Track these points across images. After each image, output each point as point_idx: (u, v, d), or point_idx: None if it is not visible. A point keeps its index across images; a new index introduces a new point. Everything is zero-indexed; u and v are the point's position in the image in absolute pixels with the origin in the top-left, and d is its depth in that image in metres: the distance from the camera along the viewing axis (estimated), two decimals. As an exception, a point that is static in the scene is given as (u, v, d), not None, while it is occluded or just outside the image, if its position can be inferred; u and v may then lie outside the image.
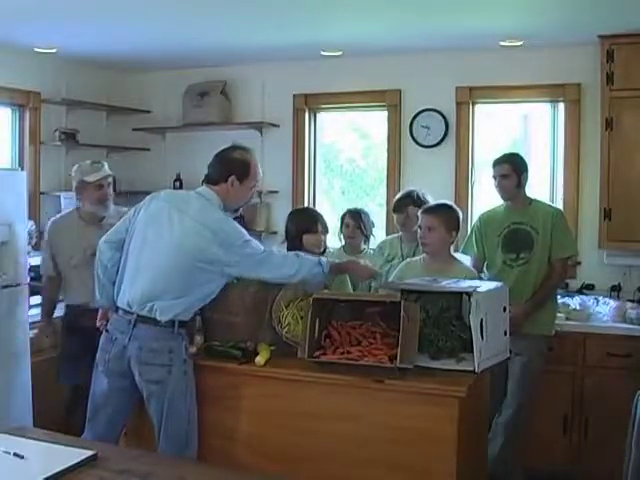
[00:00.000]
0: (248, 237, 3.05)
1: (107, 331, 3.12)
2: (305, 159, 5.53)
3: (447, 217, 3.56)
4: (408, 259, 3.84)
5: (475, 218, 5.06)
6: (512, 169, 3.93)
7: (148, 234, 3.08)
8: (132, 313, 3.01)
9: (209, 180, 3.16)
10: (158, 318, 2.97)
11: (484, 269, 4.05)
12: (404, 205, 4.18)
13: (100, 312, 3.31)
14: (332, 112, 5.62)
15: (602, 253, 4.58)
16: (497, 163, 4.00)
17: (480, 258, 4.07)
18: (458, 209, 3.68)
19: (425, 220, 3.56)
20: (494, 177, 3.99)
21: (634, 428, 3.13)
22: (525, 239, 3.92)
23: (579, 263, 4.68)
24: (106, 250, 3.20)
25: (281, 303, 3.21)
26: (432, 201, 4.02)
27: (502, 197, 4.02)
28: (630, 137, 4.34)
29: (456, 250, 4.39)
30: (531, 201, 4.03)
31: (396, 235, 4.31)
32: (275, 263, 3.04)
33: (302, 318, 3.07)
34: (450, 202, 3.74)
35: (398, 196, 4.31)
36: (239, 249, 2.99)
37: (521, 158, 4.04)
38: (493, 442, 3.83)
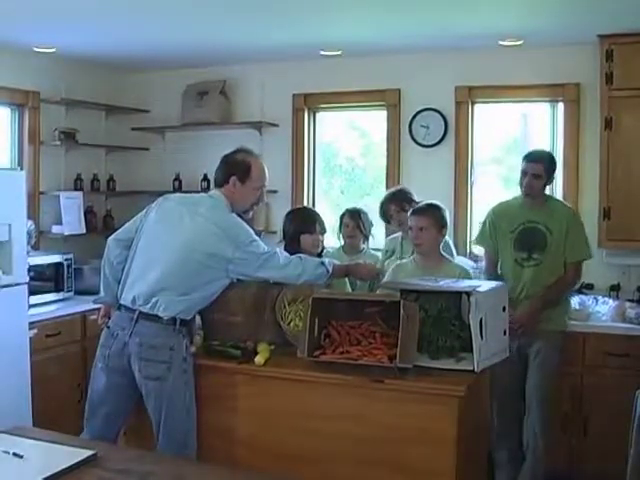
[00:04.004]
0: (255, 237, 3.11)
1: (108, 327, 3.14)
2: (304, 158, 5.53)
3: (437, 217, 3.60)
4: (398, 261, 3.86)
5: (474, 218, 5.10)
6: (544, 170, 3.87)
7: (158, 232, 3.13)
8: (134, 310, 3.04)
9: (215, 183, 3.27)
10: (160, 315, 3.00)
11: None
12: (389, 210, 4.27)
13: (102, 309, 3.34)
14: (331, 112, 5.62)
15: (601, 252, 4.57)
16: (532, 160, 3.89)
17: (494, 251, 4.03)
18: (444, 207, 3.70)
19: (416, 221, 3.59)
20: (524, 172, 3.89)
21: (635, 427, 3.13)
22: (538, 239, 3.88)
23: (578, 262, 4.67)
24: (114, 247, 3.26)
25: (284, 300, 3.23)
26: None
27: (525, 194, 3.92)
28: (629, 137, 4.33)
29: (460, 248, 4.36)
30: (547, 198, 4.00)
31: (398, 234, 4.32)
32: (280, 263, 3.09)
33: (305, 315, 3.08)
34: (436, 201, 3.73)
35: (381, 206, 4.37)
36: (247, 247, 3.04)
37: (554, 160, 4.00)
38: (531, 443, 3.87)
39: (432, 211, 3.61)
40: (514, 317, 3.81)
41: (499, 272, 4.01)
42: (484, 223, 4.11)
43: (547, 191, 4.07)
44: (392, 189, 4.55)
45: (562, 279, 3.92)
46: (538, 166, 3.87)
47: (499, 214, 4.05)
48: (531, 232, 3.91)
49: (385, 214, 4.35)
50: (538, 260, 3.89)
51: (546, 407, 3.89)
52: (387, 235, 4.83)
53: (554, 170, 3.96)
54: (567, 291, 4.04)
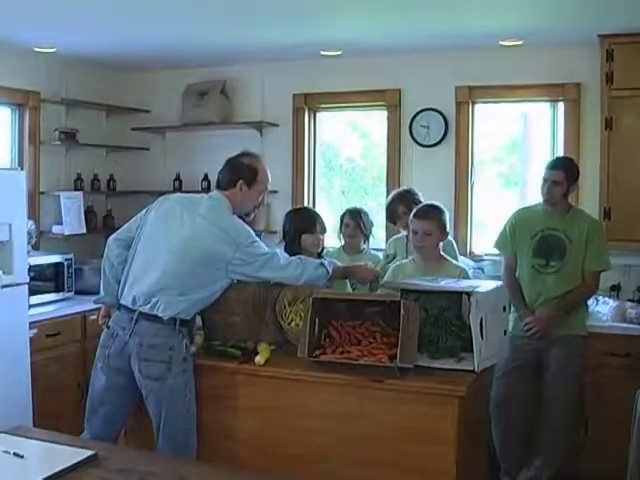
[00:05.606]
0: (255, 237, 3.11)
1: (108, 327, 3.15)
2: (305, 158, 5.52)
3: (440, 219, 3.62)
4: (398, 262, 3.85)
5: (474, 218, 5.10)
6: (565, 177, 3.84)
7: (158, 232, 3.14)
8: (134, 310, 3.04)
9: (219, 185, 3.26)
10: (160, 315, 3.00)
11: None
12: (397, 211, 4.27)
13: (102, 309, 3.34)
14: (332, 112, 5.62)
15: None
16: (552, 167, 3.90)
17: (513, 256, 3.99)
18: (444, 208, 3.70)
19: (421, 225, 3.59)
20: (544, 179, 3.88)
21: (635, 426, 3.13)
22: (557, 247, 3.85)
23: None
24: (114, 247, 3.26)
25: (284, 300, 3.23)
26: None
27: (545, 201, 3.91)
28: (630, 137, 4.33)
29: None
30: (570, 207, 3.98)
31: (402, 234, 4.31)
32: (280, 264, 3.09)
33: (305, 316, 3.08)
34: (436, 202, 3.73)
35: (388, 206, 4.38)
36: (247, 248, 3.04)
37: (576, 167, 3.98)
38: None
39: (437, 215, 3.62)
40: (532, 320, 3.82)
41: (517, 277, 3.98)
42: (504, 228, 4.06)
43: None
44: (400, 189, 4.51)
45: (581, 287, 3.89)
46: (558, 173, 3.85)
47: (520, 220, 4.01)
48: (550, 239, 3.87)
49: (392, 215, 4.33)
50: (556, 268, 3.85)
51: (568, 413, 3.88)
52: (388, 235, 4.83)
53: (576, 178, 3.92)
54: (585, 299, 4.00)
